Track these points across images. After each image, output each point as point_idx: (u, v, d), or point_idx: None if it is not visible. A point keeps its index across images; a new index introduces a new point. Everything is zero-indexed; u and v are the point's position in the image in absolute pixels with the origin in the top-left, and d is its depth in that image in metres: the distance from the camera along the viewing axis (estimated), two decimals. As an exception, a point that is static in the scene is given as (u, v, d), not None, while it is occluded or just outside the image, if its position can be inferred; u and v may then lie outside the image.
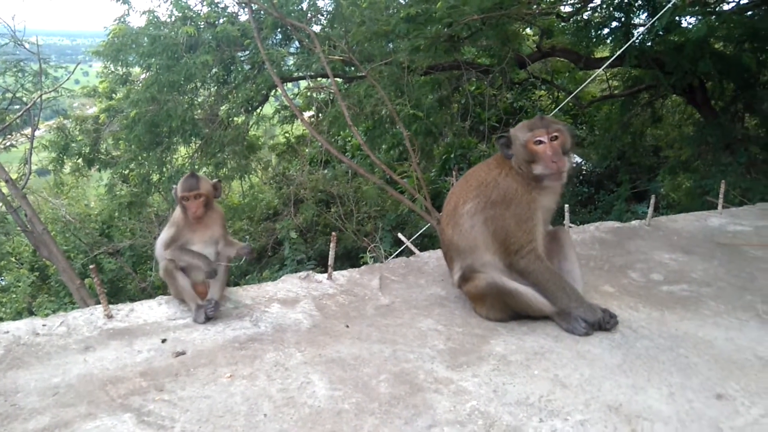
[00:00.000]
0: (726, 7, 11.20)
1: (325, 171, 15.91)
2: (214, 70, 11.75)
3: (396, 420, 2.65)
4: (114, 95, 14.38)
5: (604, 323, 3.42)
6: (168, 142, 12.24)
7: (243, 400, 2.78)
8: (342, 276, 4.24)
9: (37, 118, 11.65)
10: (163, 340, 3.30)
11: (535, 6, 11.43)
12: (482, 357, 3.18)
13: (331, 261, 4.17)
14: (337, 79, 11.83)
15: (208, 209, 3.70)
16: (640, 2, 10.55)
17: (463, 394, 2.84)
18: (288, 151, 16.32)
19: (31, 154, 10.93)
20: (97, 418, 2.63)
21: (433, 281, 4.22)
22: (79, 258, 14.52)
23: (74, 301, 10.37)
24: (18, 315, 13.51)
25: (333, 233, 4.31)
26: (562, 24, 13.04)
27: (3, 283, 15.94)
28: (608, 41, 11.75)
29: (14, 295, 15.00)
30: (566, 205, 5.37)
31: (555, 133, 3.41)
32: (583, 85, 10.54)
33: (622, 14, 10.76)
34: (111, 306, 3.60)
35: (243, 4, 11.64)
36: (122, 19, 12.05)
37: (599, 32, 11.68)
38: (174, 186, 3.72)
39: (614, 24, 11.36)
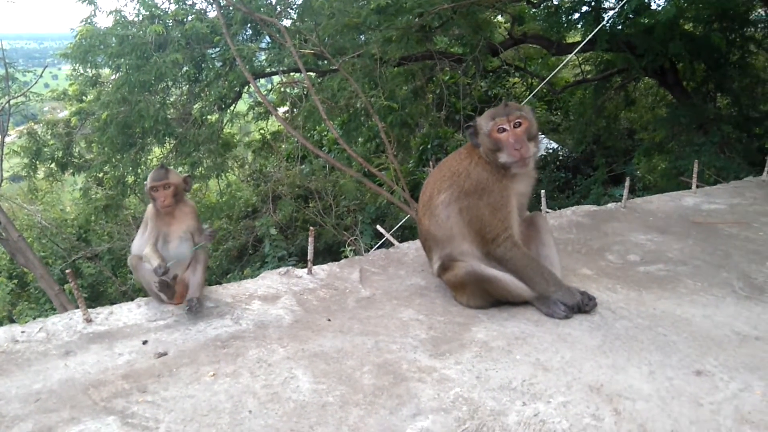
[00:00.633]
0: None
1: (302, 166, 15.83)
2: (184, 69, 11.58)
3: (381, 410, 2.66)
4: (84, 98, 14.11)
5: (583, 306, 3.46)
6: (142, 143, 12.07)
7: (227, 397, 2.77)
8: (322, 270, 4.24)
9: (6, 123, 11.44)
10: (144, 342, 3.28)
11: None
12: (464, 344, 3.20)
13: (310, 256, 4.16)
14: (310, 73, 11.75)
15: (178, 202, 3.75)
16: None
17: (446, 382, 2.86)
18: (264, 147, 16.20)
19: (1, 160, 10.73)
20: (81, 423, 2.61)
21: (413, 272, 4.24)
22: (57, 264, 14.34)
23: (55, 308, 10.23)
24: (-2, 324, 13.27)
25: (311, 228, 4.31)
26: (533, 10, 13.13)
27: (-19, 292, 15.65)
28: (579, 26, 11.88)
29: (-7, 305, 14.74)
30: (543, 191, 5.42)
31: (518, 120, 3.41)
32: (555, 71, 10.65)
33: (591, -2, 10.87)
34: (90, 310, 3.56)
35: (211, 1, 11.52)
36: (89, 20, 11.81)
37: (570, 17, 11.80)
38: (146, 182, 3.73)
39: (584, 8, 11.48)
